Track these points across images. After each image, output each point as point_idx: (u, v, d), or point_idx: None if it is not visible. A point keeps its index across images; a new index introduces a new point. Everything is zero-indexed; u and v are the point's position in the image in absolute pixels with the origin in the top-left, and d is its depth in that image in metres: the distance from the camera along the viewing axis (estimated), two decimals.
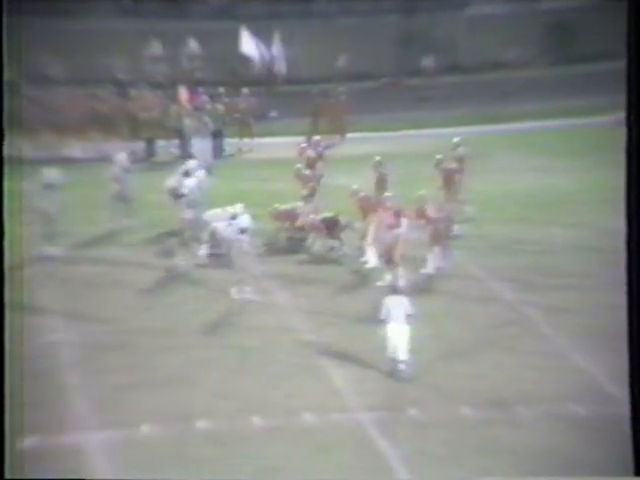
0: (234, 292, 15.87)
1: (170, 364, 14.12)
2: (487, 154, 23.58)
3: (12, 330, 14.57)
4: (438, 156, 19.63)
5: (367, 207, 17.73)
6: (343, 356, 14.29)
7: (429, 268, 16.94)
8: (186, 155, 22.89)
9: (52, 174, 18.33)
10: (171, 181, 18.75)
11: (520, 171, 22.62)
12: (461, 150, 20.20)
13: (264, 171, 22.08)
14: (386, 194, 17.80)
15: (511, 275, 17.07)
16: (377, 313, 13.89)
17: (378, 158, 19.43)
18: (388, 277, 16.02)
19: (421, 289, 16.12)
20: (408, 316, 13.43)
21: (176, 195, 18.24)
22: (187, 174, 18.56)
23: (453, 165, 19.60)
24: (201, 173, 18.89)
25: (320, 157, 20.53)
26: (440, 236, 16.95)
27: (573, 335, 14.63)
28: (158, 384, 13.58)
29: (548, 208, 19.84)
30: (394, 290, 13.89)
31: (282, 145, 23.69)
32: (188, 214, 17.95)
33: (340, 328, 15.20)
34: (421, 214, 17.21)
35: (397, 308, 13.43)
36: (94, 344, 14.66)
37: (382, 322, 13.53)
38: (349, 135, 25.10)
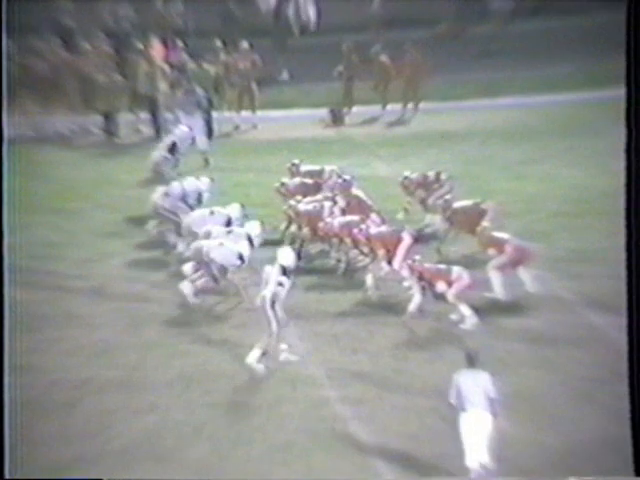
0: (253, 359, 15.25)
1: (132, 431, 14.13)
2: (585, 129, 23.39)
3: None
4: None
5: None
6: (380, 421, 14.26)
7: (497, 292, 17.01)
8: (161, 134, 22.81)
9: None
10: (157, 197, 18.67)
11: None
12: None
13: (271, 157, 22.04)
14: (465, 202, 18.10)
15: (618, 305, 16.40)
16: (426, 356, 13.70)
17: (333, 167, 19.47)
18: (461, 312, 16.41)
19: (493, 326, 16.31)
20: (491, 400, 13.02)
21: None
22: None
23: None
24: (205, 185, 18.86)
25: None
26: (528, 256, 17.19)
27: None
28: (114, 459, 13.59)
29: None
30: (469, 361, 13.29)
31: (297, 120, 23.75)
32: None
33: (377, 380, 15.21)
34: (491, 239, 17.47)
35: (473, 388, 13.06)
36: (23, 403, 14.47)
37: (452, 408, 13.20)
38: (389, 108, 25.24)
